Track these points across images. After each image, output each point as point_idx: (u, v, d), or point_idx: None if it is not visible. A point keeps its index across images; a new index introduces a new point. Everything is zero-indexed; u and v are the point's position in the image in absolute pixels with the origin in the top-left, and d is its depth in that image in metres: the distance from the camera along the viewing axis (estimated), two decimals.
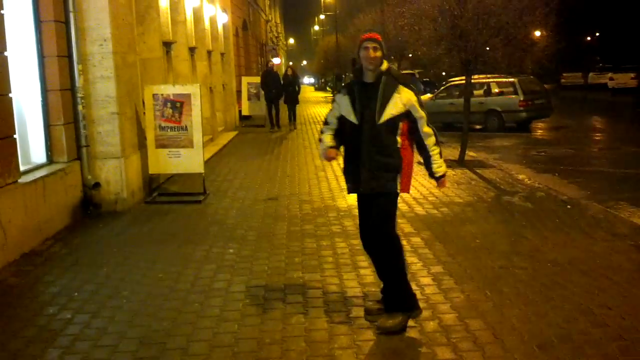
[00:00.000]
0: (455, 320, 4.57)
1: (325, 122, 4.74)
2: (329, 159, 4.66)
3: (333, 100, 4.73)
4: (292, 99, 20.03)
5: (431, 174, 4.57)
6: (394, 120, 4.34)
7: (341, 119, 4.56)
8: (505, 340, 4.22)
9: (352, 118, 4.44)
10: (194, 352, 4.21)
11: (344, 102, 4.51)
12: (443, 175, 4.58)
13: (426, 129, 4.46)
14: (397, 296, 4.47)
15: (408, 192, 4.64)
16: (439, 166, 4.52)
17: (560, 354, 4.00)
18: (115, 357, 4.17)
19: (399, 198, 4.58)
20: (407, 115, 4.39)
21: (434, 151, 4.50)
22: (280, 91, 19.69)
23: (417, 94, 4.49)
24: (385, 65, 4.44)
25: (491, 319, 4.57)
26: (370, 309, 4.73)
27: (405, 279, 4.53)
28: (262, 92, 20.00)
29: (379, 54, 4.37)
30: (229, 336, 4.43)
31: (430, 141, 4.47)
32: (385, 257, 4.48)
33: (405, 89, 4.39)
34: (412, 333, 4.37)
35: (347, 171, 4.60)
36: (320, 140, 4.80)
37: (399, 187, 4.45)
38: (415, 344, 4.23)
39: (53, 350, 4.30)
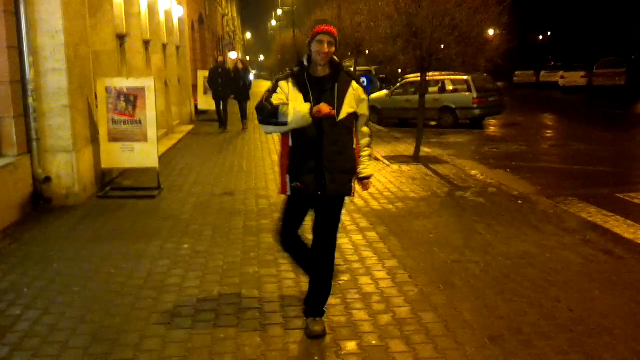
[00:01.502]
0: (408, 314, 4.63)
1: (265, 99, 4.17)
2: (327, 113, 4.03)
3: (275, 86, 4.20)
4: (242, 95, 18.56)
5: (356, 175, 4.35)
6: (350, 118, 4.19)
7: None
8: (457, 333, 4.30)
9: (302, 111, 4.06)
10: (146, 348, 4.17)
11: (294, 93, 4.13)
12: (368, 177, 4.42)
13: (365, 129, 4.35)
14: (324, 301, 4.39)
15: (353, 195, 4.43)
16: (366, 167, 4.38)
17: (510, 346, 4.09)
18: (67, 354, 4.10)
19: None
20: (356, 113, 4.25)
21: (365, 152, 4.38)
22: (229, 88, 18.20)
23: (366, 91, 4.41)
24: (335, 58, 4.22)
25: (444, 312, 4.64)
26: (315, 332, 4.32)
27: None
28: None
29: (333, 49, 4.12)
30: (182, 332, 4.39)
31: (364, 141, 4.36)
32: (329, 263, 4.33)
33: (358, 85, 4.24)
34: (365, 327, 4.41)
35: (298, 170, 4.18)
36: (262, 112, 4.14)
37: (353, 190, 4.33)
38: (369, 337, 4.27)
39: (1, 347, 4.21)
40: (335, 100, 4.11)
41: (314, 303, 4.35)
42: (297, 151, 4.17)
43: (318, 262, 4.32)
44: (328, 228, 4.30)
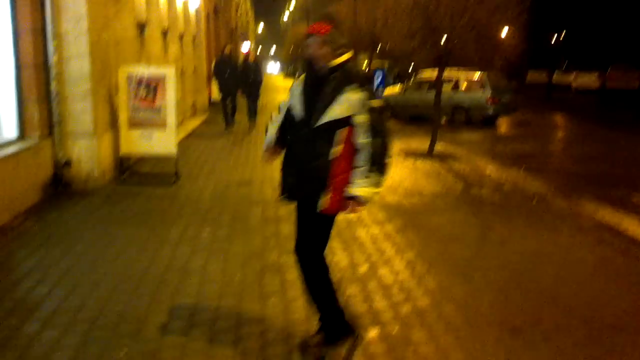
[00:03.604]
0: (429, 304, 4.71)
1: (280, 109, 4.14)
2: (267, 158, 4.17)
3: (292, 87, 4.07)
4: (252, 91, 16.15)
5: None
6: (332, 125, 3.72)
7: (289, 111, 3.98)
8: (477, 324, 4.38)
9: (297, 112, 3.87)
10: (173, 328, 4.27)
11: (296, 93, 3.92)
12: (354, 198, 3.74)
13: (362, 140, 3.73)
14: (331, 328, 3.98)
15: (334, 213, 3.85)
16: (358, 186, 3.73)
17: (530, 339, 4.17)
18: (96, 331, 4.19)
19: None
20: (348, 120, 3.74)
21: (360, 168, 3.74)
22: (238, 82, 15.81)
23: (370, 96, 3.80)
24: (344, 57, 3.82)
25: (463, 304, 4.72)
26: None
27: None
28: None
29: (325, 50, 3.75)
30: (207, 314, 4.49)
31: (360, 155, 3.75)
32: (308, 280, 3.95)
33: (359, 90, 3.73)
34: (387, 316, 4.48)
35: (283, 169, 3.98)
36: (266, 130, 4.17)
37: (322, 205, 3.76)
38: (391, 325, 4.34)
39: (33, 322, 4.31)
40: (319, 104, 3.75)
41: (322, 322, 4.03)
42: (285, 156, 4.01)
43: (302, 273, 3.99)
44: (302, 239, 3.97)
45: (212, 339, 4.11)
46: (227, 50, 16.28)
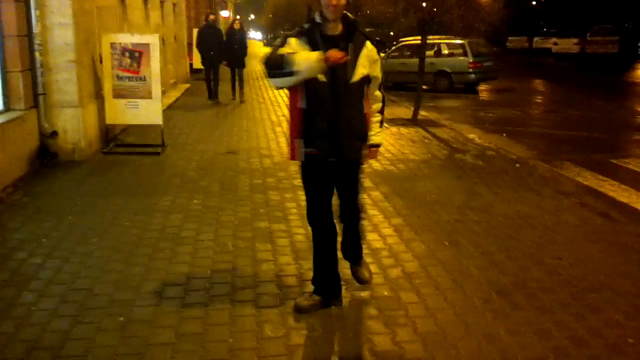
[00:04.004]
0: (417, 268, 4.85)
1: (273, 54, 3.87)
2: (339, 59, 3.73)
3: (284, 42, 3.92)
4: (238, 61, 15.33)
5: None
6: (363, 81, 3.92)
7: None
8: (464, 286, 4.52)
9: (319, 75, 3.80)
10: (169, 295, 4.36)
11: (306, 49, 3.84)
12: (377, 146, 4.18)
13: (377, 92, 4.09)
14: (360, 249, 4.42)
15: (366, 162, 4.30)
16: (375, 134, 4.12)
17: (516, 299, 4.32)
18: (93, 300, 4.27)
19: None
20: (369, 75, 3.96)
21: (376, 118, 4.12)
22: (222, 52, 15.18)
23: (379, 51, 4.09)
24: (349, 15, 3.94)
25: (450, 267, 4.86)
26: (301, 306, 4.17)
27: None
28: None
29: (343, 1, 3.79)
30: (203, 281, 4.59)
31: (376, 106, 4.11)
32: (358, 219, 4.27)
33: (372, 46, 3.96)
34: (376, 279, 4.61)
35: (312, 134, 3.92)
36: (273, 66, 3.81)
37: (364, 157, 4.12)
38: (381, 288, 4.47)
39: (29, 293, 4.38)
40: (350, 61, 3.80)
41: (352, 252, 4.37)
42: (311, 113, 3.90)
43: (348, 222, 4.24)
44: (350, 194, 4.16)
45: (208, 305, 4.21)
46: (211, 19, 15.71)
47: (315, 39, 3.85)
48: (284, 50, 3.83)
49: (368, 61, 3.93)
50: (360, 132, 4.00)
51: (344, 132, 3.89)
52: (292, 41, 3.88)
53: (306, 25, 3.98)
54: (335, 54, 3.68)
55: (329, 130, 3.88)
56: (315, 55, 3.72)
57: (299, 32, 3.95)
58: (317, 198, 4.12)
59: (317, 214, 4.14)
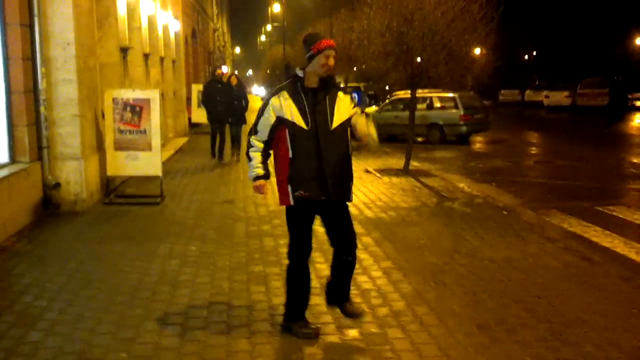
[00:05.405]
0: (403, 307, 5.10)
1: (254, 131, 4.44)
2: (260, 191, 4.52)
3: (264, 107, 4.41)
4: (238, 118, 14.48)
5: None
6: (343, 125, 4.38)
7: (278, 126, 4.34)
8: (448, 322, 4.77)
9: (301, 124, 4.28)
10: (169, 333, 4.61)
11: (289, 106, 4.30)
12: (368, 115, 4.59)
13: (362, 119, 4.51)
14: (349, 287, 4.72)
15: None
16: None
17: (496, 334, 4.57)
18: (96, 338, 4.52)
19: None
20: (349, 120, 4.45)
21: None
22: (231, 108, 14.31)
23: (353, 98, 4.52)
24: None
25: (435, 306, 5.12)
26: (306, 333, 4.54)
27: None
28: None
29: (333, 63, 4.35)
30: (199, 321, 4.83)
31: (370, 141, 4.61)
32: (354, 257, 4.58)
33: (344, 94, 4.45)
34: (365, 317, 4.84)
35: (300, 178, 4.31)
36: (248, 156, 4.50)
37: (351, 195, 4.56)
38: (369, 326, 4.72)
39: (35, 332, 4.62)
40: (328, 110, 4.33)
41: (344, 290, 4.63)
42: (298, 161, 4.31)
43: (346, 260, 4.52)
44: (344, 230, 4.50)
45: (205, 342, 4.45)
46: (218, 73, 15.48)
47: (298, 93, 4.35)
48: (264, 122, 4.37)
49: (345, 108, 4.41)
50: (346, 173, 4.44)
51: (330, 173, 4.31)
52: (274, 101, 4.35)
53: (289, 81, 4.46)
54: (260, 189, 4.48)
55: (317, 173, 4.30)
56: (254, 170, 4.44)
57: (280, 89, 4.42)
58: (303, 236, 4.49)
59: (301, 251, 4.51)
